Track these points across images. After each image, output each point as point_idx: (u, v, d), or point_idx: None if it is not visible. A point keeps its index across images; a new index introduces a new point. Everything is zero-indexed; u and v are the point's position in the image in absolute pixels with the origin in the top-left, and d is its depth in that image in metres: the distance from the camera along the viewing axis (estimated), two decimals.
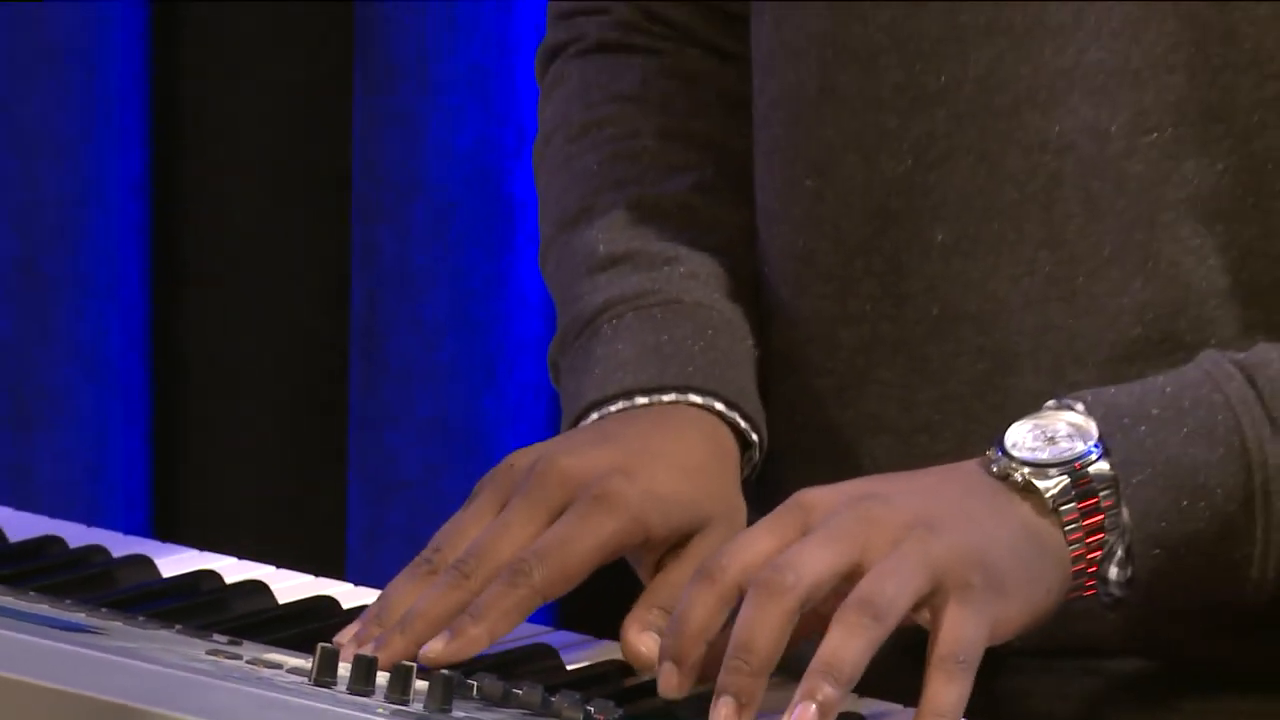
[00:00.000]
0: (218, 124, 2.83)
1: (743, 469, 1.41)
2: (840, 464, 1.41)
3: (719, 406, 1.39)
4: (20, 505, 1.58)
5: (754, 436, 1.40)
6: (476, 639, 1.21)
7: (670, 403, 1.38)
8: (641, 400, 1.38)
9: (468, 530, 1.28)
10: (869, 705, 1.20)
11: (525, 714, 1.11)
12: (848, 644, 1.09)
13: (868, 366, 1.42)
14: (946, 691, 1.11)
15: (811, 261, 1.44)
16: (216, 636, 1.20)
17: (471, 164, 2.55)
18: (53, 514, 1.53)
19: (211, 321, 2.82)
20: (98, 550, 1.42)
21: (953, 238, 1.38)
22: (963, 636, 1.12)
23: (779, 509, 1.19)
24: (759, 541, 1.17)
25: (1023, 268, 1.37)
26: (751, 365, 1.46)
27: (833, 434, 1.46)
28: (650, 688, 1.19)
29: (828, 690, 1.07)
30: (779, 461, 1.48)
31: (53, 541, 1.45)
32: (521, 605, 1.24)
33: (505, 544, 1.26)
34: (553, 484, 1.29)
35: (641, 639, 1.22)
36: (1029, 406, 1.28)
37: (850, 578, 1.11)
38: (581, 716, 1.07)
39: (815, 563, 1.13)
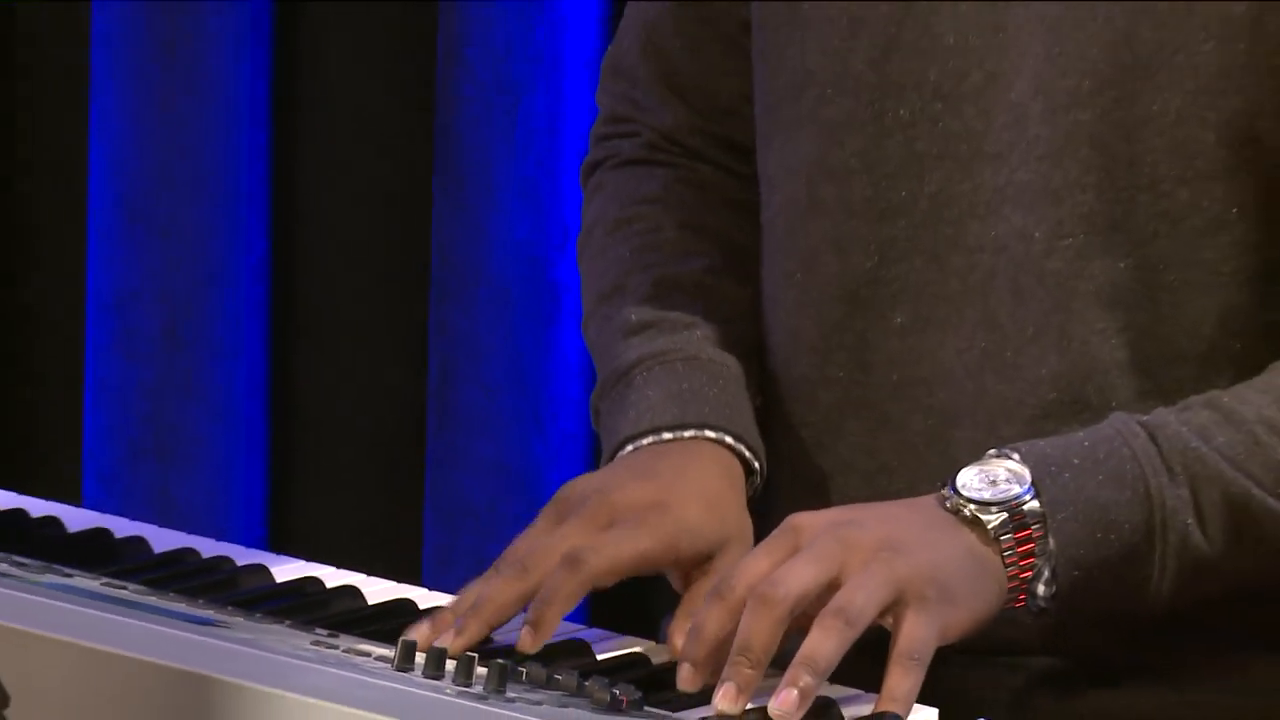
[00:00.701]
0: (323, 219, 2.86)
1: (747, 490, 1.43)
2: (818, 497, 1.44)
3: (729, 440, 1.41)
4: (162, 523, 1.58)
5: (756, 464, 1.43)
6: (551, 621, 1.24)
7: (690, 438, 1.41)
8: (667, 435, 1.41)
9: (531, 543, 1.31)
10: (839, 691, 1.21)
11: (564, 695, 1.14)
12: (824, 643, 1.12)
13: (840, 420, 1.45)
14: (903, 682, 1.14)
15: (798, 337, 1.47)
16: (318, 630, 1.24)
17: (524, 255, 2.57)
18: (188, 531, 1.53)
19: (317, 378, 2.86)
20: (224, 560, 1.44)
21: (909, 319, 1.42)
22: (918, 638, 1.15)
23: (775, 533, 1.23)
24: (759, 563, 1.20)
25: (964, 344, 1.39)
26: (752, 409, 1.48)
27: (813, 473, 1.48)
28: (664, 674, 1.24)
29: (807, 679, 1.10)
30: (773, 493, 1.50)
31: (188, 552, 1.46)
32: (580, 587, 1.26)
33: (562, 547, 1.30)
34: (604, 511, 1.33)
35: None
36: (968, 455, 1.31)
37: (830, 588, 1.15)
38: (609, 697, 1.11)
39: (801, 577, 1.17)
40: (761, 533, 1.39)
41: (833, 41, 1.45)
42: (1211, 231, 1.40)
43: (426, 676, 1.16)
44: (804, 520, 1.25)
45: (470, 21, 2.71)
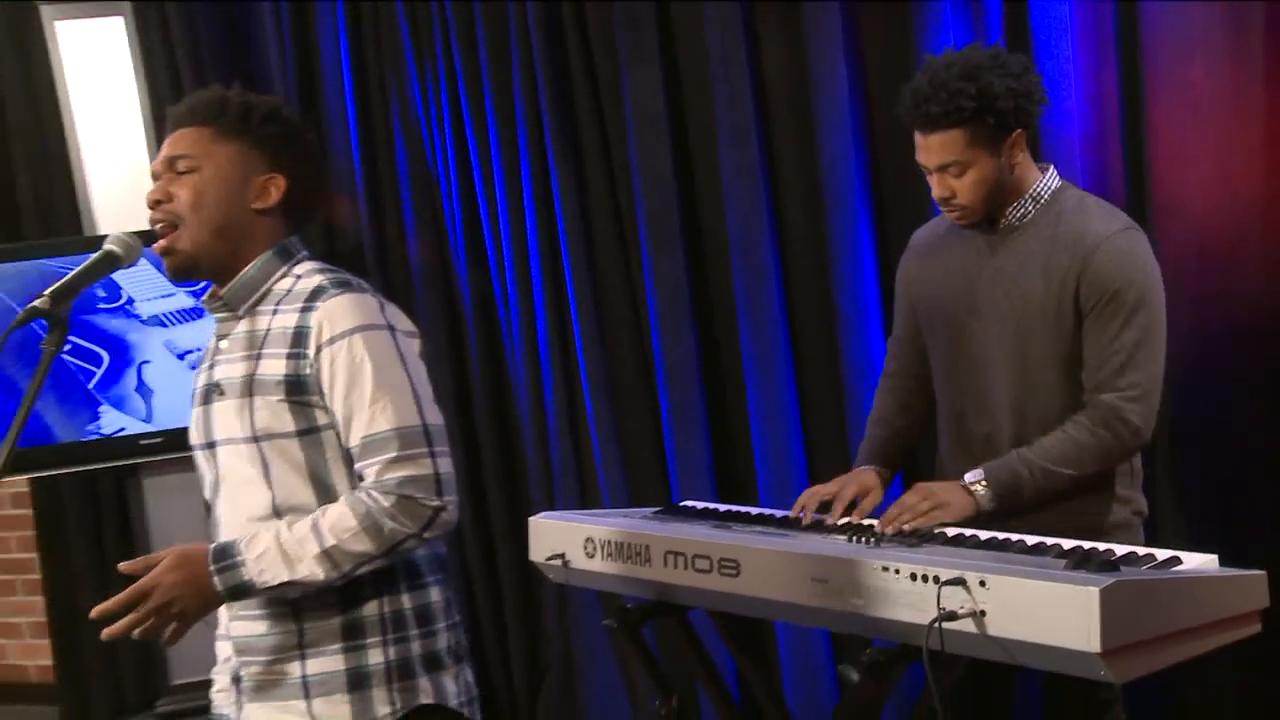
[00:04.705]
0: None
1: (888, 476, 1.99)
2: (952, 466, 1.96)
3: (875, 469, 1.99)
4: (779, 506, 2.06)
5: (885, 473, 2.00)
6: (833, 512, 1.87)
7: (861, 470, 2.00)
8: (858, 467, 2.01)
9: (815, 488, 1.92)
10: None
11: (898, 542, 1.66)
12: (940, 516, 1.73)
13: (953, 450, 1.99)
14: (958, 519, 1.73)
15: (942, 432, 2.02)
16: (833, 535, 1.76)
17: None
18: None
19: None
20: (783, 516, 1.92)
21: (972, 419, 1.92)
22: (963, 519, 1.76)
23: (914, 488, 1.80)
24: (911, 498, 1.79)
25: (984, 423, 1.92)
26: (894, 456, 2.03)
27: (950, 462, 1.98)
28: (939, 538, 1.71)
29: (940, 522, 1.70)
30: (938, 466, 2.02)
31: (771, 515, 1.93)
32: (845, 503, 1.88)
33: (829, 487, 1.90)
34: (836, 483, 1.93)
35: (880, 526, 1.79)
36: (993, 450, 1.88)
37: (932, 508, 1.76)
38: (870, 539, 1.66)
39: (925, 503, 1.76)
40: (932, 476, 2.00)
41: (941, 347, 2.01)
42: (1048, 380, 1.88)
43: (849, 541, 1.69)
44: (922, 486, 1.82)
45: None
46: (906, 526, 1.72)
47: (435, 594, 1.59)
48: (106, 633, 1.38)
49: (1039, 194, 1.88)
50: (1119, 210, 1.91)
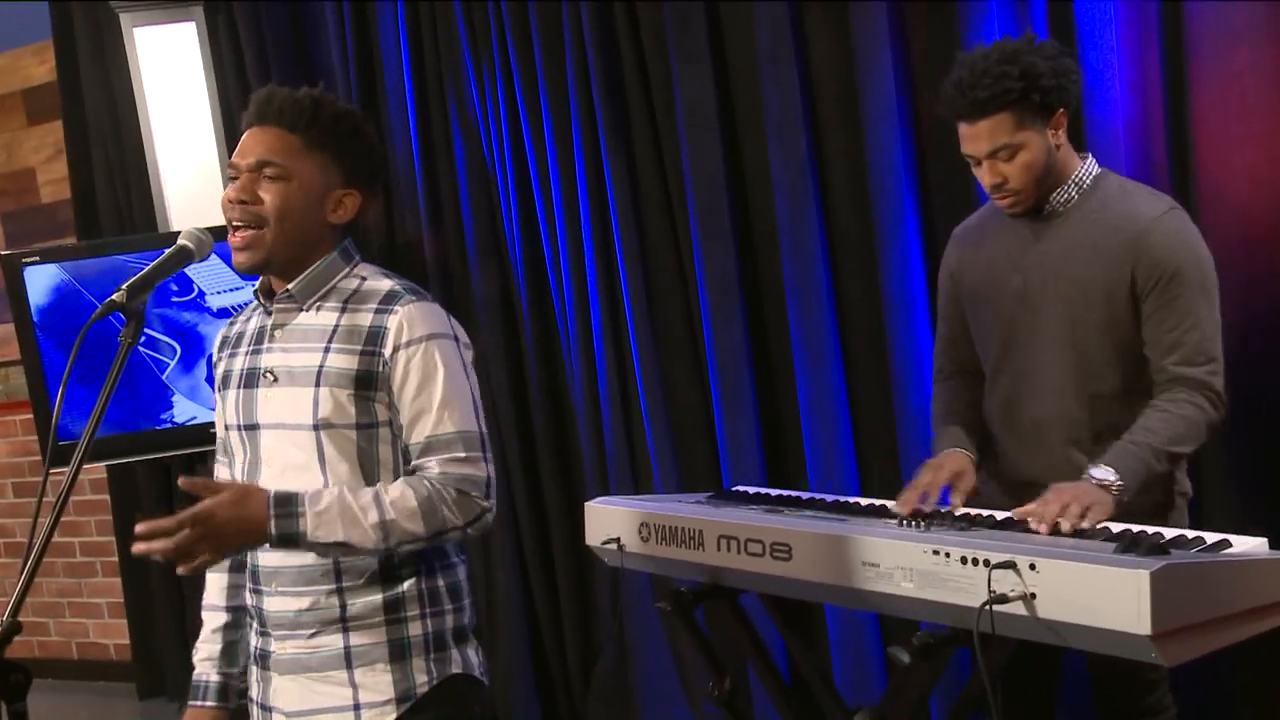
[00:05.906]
0: None
1: (975, 461, 1.89)
2: (1004, 459, 1.92)
3: (961, 450, 1.92)
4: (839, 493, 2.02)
5: (973, 456, 1.92)
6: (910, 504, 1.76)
7: (950, 451, 1.92)
8: (944, 451, 1.92)
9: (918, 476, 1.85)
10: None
11: (948, 527, 1.59)
12: (1093, 517, 1.58)
13: (1003, 435, 1.93)
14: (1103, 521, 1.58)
15: (993, 416, 1.95)
16: (884, 519, 1.71)
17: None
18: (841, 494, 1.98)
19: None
20: (846, 500, 1.89)
21: (1027, 403, 1.87)
22: (1101, 517, 1.59)
23: (1048, 490, 1.67)
24: (1057, 503, 1.63)
25: (1038, 407, 1.86)
26: (970, 442, 1.92)
27: (999, 451, 1.93)
28: (989, 522, 1.67)
29: (1073, 522, 1.56)
30: (990, 459, 1.93)
31: (830, 499, 1.90)
32: (930, 498, 1.78)
33: (924, 477, 1.83)
34: (929, 469, 1.83)
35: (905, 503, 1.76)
36: (1049, 441, 1.84)
37: (1064, 510, 1.60)
38: (966, 524, 1.59)
39: (1056, 504, 1.62)
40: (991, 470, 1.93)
41: (990, 334, 1.96)
42: (1101, 362, 1.84)
43: (900, 525, 1.65)
44: (1057, 486, 1.69)
45: None
46: (1066, 527, 1.64)
47: (461, 573, 1.65)
48: (139, 548, 1.36)
49: (1081, 179, 1.87)
50: (1161, 193, 1.89)
